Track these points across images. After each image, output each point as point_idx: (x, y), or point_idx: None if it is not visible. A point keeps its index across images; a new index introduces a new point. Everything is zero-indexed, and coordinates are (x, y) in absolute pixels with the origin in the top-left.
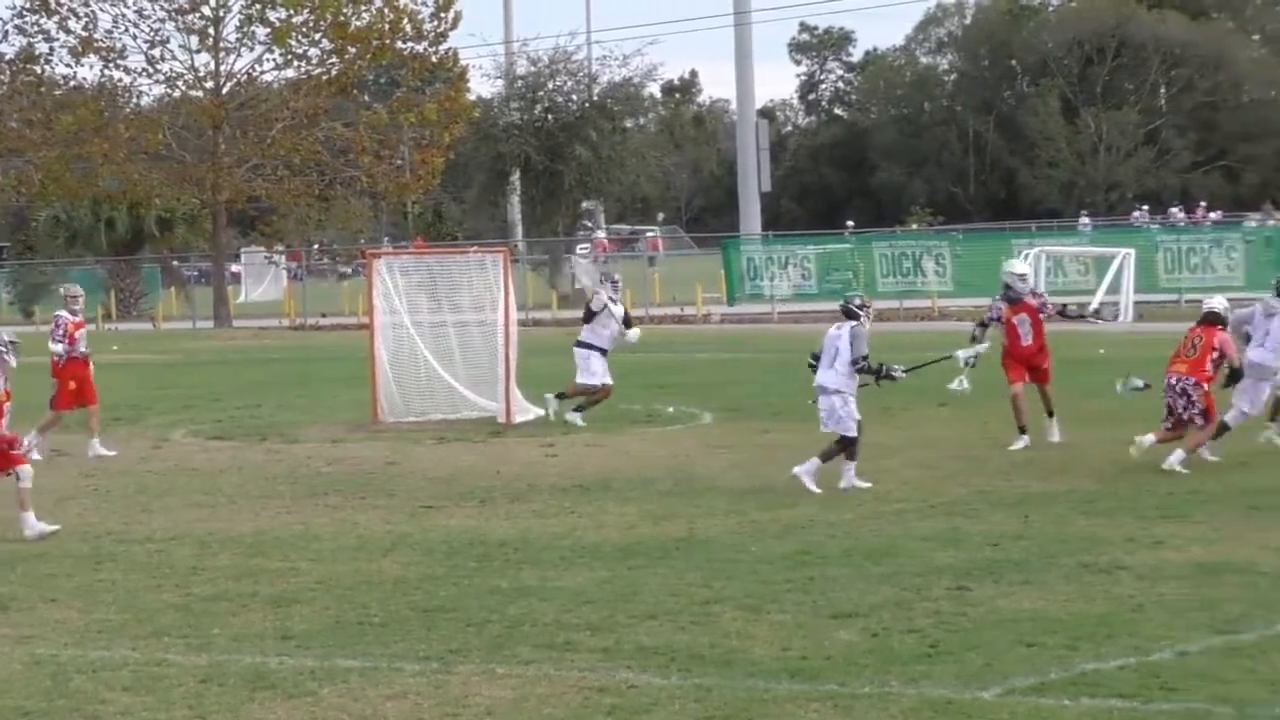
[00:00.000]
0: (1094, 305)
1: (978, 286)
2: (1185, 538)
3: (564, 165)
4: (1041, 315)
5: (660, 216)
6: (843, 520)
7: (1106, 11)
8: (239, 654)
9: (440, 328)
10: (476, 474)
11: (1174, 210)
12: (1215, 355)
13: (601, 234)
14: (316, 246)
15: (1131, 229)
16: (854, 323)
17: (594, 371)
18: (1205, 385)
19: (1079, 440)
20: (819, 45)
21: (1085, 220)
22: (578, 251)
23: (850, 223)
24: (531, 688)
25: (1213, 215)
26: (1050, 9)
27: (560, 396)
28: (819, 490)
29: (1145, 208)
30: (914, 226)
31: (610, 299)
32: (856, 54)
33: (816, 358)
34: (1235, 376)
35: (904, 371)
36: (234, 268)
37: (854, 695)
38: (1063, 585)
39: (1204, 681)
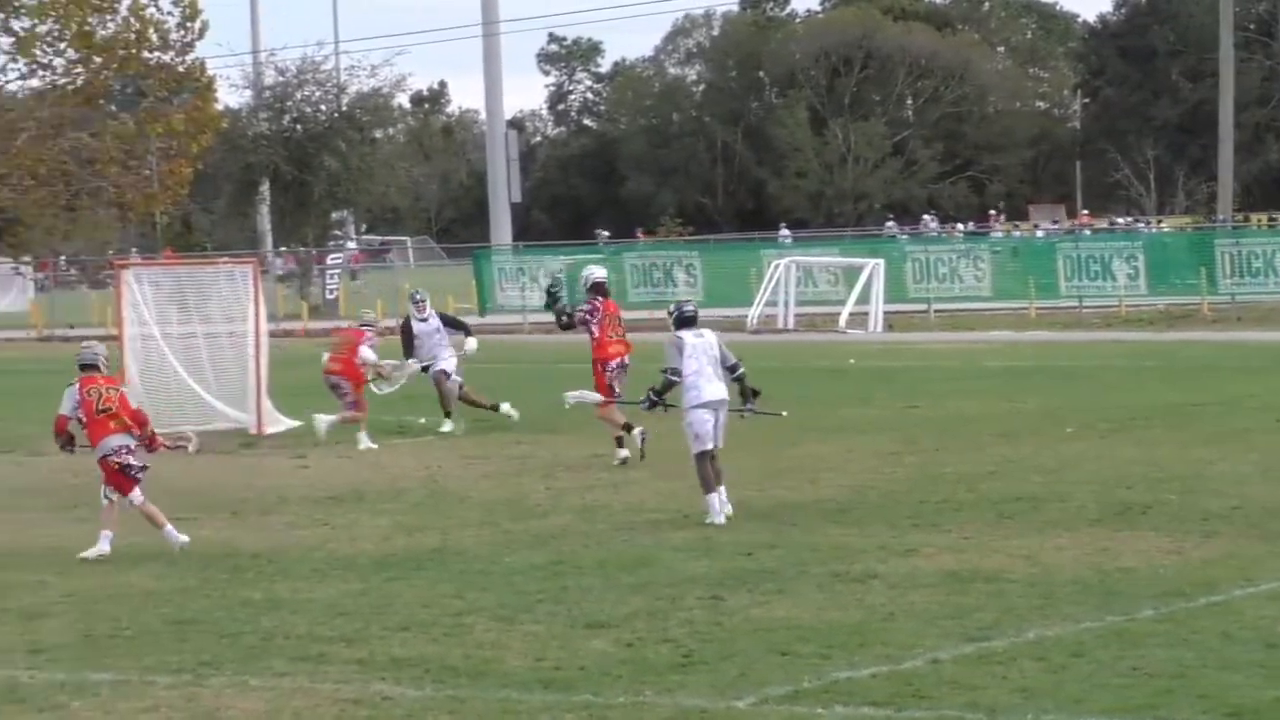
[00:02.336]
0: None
1: (728, 296)
2: (936, 546)
3: (313, 176)
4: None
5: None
6: (596, 531)
7: (853, 23)
8: None
9: (190, 339)
10: (228, 485)
11: (927, 219)
12: None
13: (353, 245)
14: (64, 258)
15: (881, 239)
16: (704, 329)
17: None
18: None
19: (828, 451)
20: (568, 56)
21: (785, 233)
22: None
23: (606, 233)
24: (286, 700)
25: (960, 226)
26: (797, 20)
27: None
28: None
29: (933, 217)
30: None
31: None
32: (605, 64)
33: (675, 372)
34: None
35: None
36: None
37: (608, 705)
38: (816, 594)
39: (956, 689)
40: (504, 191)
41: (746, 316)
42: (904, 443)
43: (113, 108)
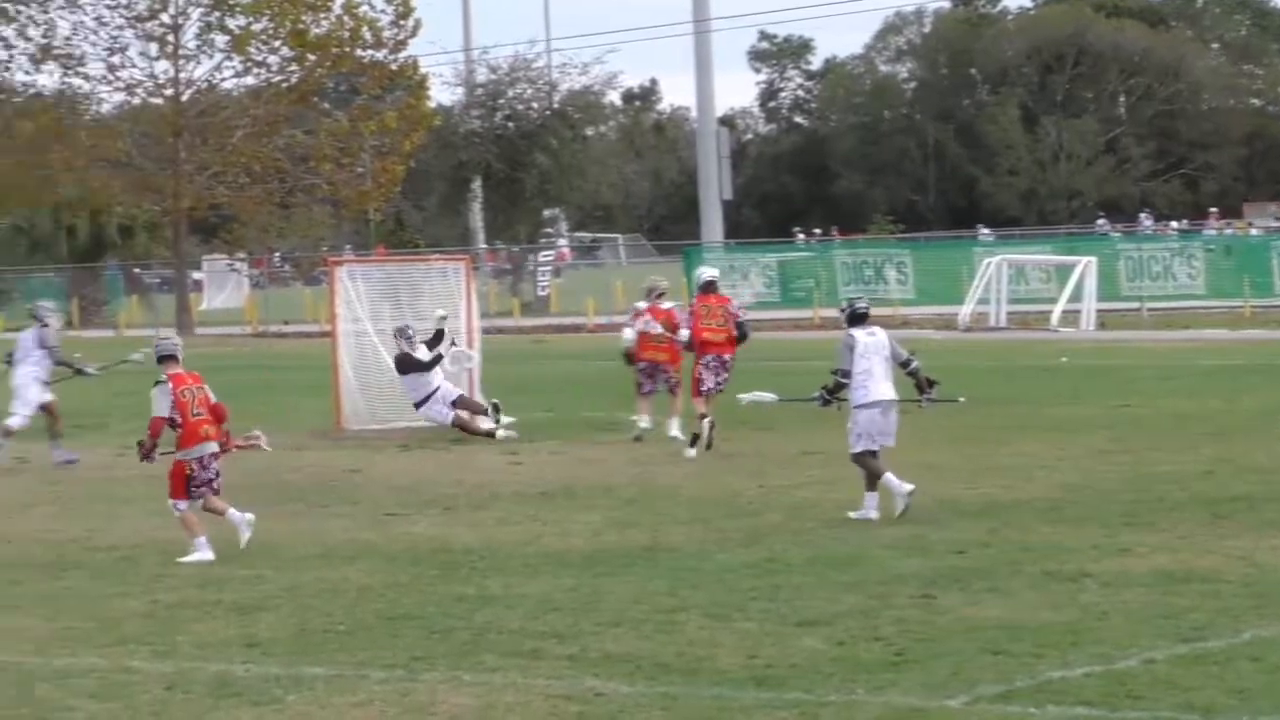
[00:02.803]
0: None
1: (939, 294)
2: (1150, 545)
3: (525, 173)
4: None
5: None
6: (806, 528)
7: (1065, 21)
8: (204, 661)
9: None
10: (440, 481)
11: (1143, 217)
12: None
13: (564, 242)
14: (278, 254)
15: (1094, 237)
16: (875, 327)
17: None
18: None
19: (1040, 449)
20: (778, 53)
21: (985, 231)
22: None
23: (817, 230)
24: (498, 695)
25: (1174, 224)
26: (1009, 18)
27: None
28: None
29: (1149, 215)
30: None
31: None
32: (816, 62)
33: (844, 373)
34: None
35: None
36: (196, 275)
37: (820, 703)
38: (1028, 593)
39: (1170, 690)
40: (715, 189)
41: (958, 315)
42: (1116, 441)
43: (326, 105)
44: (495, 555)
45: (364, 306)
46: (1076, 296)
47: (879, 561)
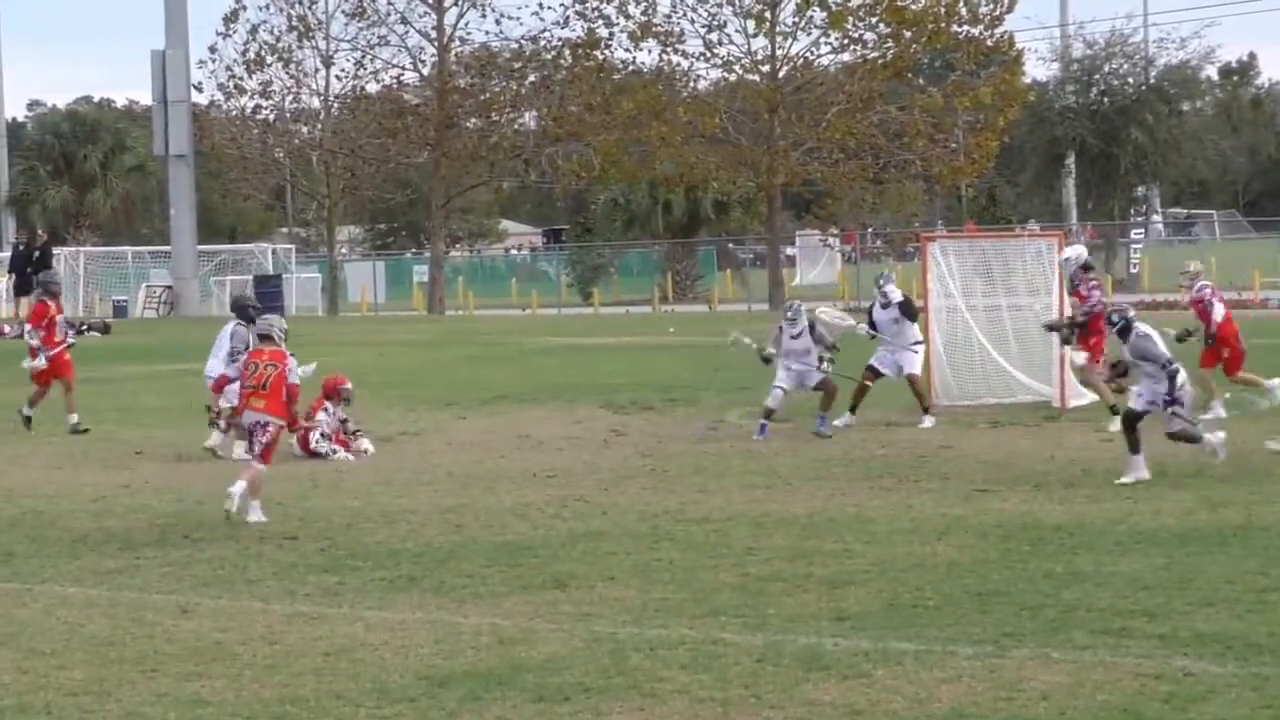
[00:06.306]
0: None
1: None
2: None
3: (1119, 149)
4: None
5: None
6: None
7: None
8: (794, 634)
9: (994, 311)
10: (1030, 458)
11: None
12: None
13: (1157, 218)
14: (870, 230)
15: None
16: None
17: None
18: None
19: None
20: None
21: None
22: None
23: None
24: (1086, 673)
25: None
26: None
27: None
28: None
29: None
30: None
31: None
32: None
33: None
34: None
35: None
36: (789, 250)
37: None
38: None
39: None
40: None
41: None
42: None
43: (920, 81)
44: (1085, 532)
45: (956, 282)
46: None
47: None
